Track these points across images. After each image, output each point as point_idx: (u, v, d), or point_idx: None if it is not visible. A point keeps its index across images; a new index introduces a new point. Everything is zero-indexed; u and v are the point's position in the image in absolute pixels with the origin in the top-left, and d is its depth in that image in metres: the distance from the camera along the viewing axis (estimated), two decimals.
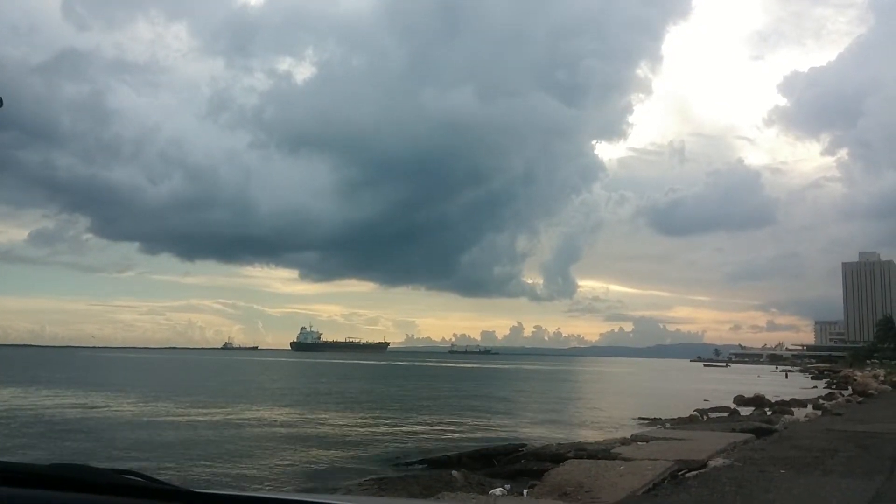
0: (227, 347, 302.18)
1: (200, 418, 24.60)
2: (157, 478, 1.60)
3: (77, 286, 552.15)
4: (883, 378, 47.95)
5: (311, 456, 16.81)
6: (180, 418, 24.56)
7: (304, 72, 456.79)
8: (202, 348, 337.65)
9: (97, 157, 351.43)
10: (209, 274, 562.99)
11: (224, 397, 34.75)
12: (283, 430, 22.15)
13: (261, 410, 28.28)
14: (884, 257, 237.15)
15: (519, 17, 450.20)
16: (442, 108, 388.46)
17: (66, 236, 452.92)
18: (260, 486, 12.06)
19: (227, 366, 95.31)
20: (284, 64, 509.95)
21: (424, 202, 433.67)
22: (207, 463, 15.45)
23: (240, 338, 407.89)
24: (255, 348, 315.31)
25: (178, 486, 1.51)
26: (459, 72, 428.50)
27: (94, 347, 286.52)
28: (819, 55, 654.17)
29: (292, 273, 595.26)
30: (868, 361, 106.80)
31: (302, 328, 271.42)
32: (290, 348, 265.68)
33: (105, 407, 28.77)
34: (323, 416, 26.61)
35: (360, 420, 25.32)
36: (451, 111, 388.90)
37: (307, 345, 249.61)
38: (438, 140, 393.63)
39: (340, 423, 24.38)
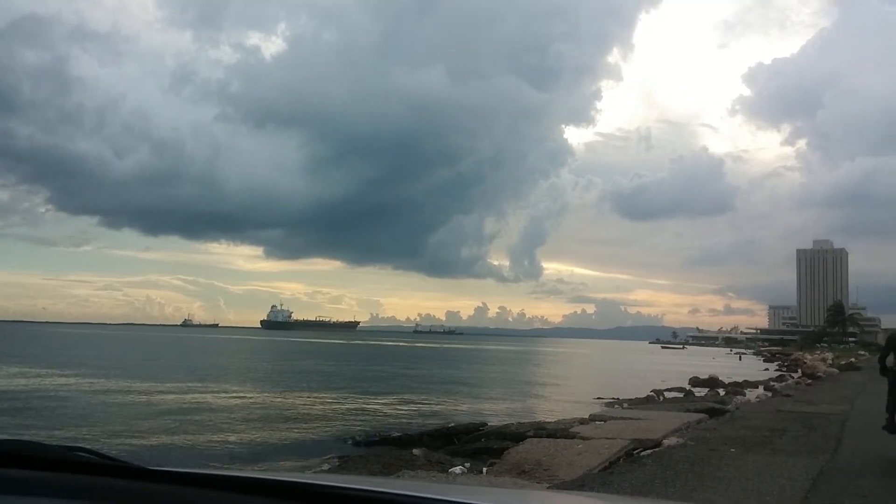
0: (187, 325, 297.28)
1: (158, 395, 24.28)
2: (110, 454, 1.57)
3: (30, 259, 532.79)
4: (831, 361, 49.42)
5: (272, 433, 16.75)
6: (137, 395, 24.21)
7: (273, 47, 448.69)
8: (160, 325, 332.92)
9: (59, 128, 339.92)
10: (170, 250, 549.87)
11: (187, 375, 34.31)
12: (245, 407, 22.01)
13: (225, 388, 28.00)
14: (836, 245, 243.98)
15: None
16: (413, 87, 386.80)
17: (21, 208, 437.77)
18: (217, 464, 11.97)
19: (190, 343, 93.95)
20: (253, 38, 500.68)
21: (393, 181, 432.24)
22: (164, 440, 15.30)
23: (200, 315, 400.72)
24: (216, 326, 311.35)
25: (131, 462, 1.49)
26: (431, 51, 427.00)
27: (46, 322, 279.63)
28: (783, 45, 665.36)
29: (256, 250, 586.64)
30: (818, 345, 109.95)
31: (272, 306, 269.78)
32: (256, 326, 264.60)
33: (57, 383, 28.14)
34: (286, 393, 26.50)
35: (322, 398, 25.26)
36: (421, 90, 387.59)
37: (277, 323, 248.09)
38: (408, 119, 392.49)
39: (303, 401, 24.31)
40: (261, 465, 12.44)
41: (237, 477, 1.44)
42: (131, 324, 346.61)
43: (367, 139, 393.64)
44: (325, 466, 11.50)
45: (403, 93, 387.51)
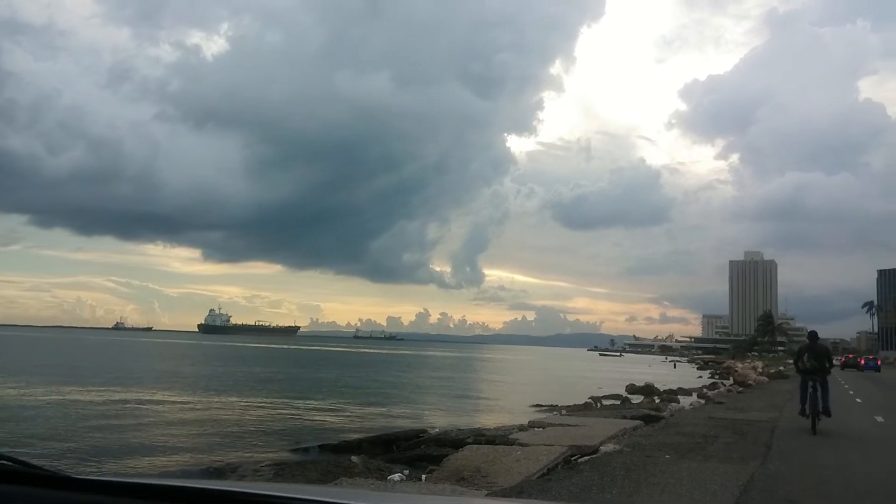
0: (119, 327, 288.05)
1: (86, 401, 23.37)
2: (33, 463, 1.49)
3: None
4: (761, 370, 51.16)
5: (206, 440, 16.31)
6: (64, 403, 23.23)
7: (214, 46, 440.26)
8: (91, 328, 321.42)
9: None
10: (104, 250, 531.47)
11: (118, 380, 33.11)
12: (179, 413, 21.37)
13: (158, 394, 27.12)
14: (766, 257, 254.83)
15: (439, 6, 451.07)
16: (358, 91, 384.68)
17: None
18: (146, 473, 11.59)
19: (123, 347, 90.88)
20: (194, 37, 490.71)
21: (336, 185, 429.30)
22: (91, 449, 14.71)
23: (133, 318, 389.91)
24: (150, 329, 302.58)
25: (54, 471, 1.42)
26: (377, 56, 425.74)
27: None
28: (718, 62, 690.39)
29: (194, 252, 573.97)
30: (749, 354, 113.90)
31: (210, 310, 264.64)
32: (193, 330, 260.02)
33: None
34: (223, 399, 25.85)
35: (259, 404, 24.76)
36: (366, 95, 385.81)
37: (215, 327, 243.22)
38: (353, 124, 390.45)
39: (239, 406, 23.78)
40: (191, 472, 12.09)
41: (166, 486, 1.38)
42: (60, 326, 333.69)
43: (310, 143, 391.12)
44: (261, 474, 11.25)
45: (348, 97, 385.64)
